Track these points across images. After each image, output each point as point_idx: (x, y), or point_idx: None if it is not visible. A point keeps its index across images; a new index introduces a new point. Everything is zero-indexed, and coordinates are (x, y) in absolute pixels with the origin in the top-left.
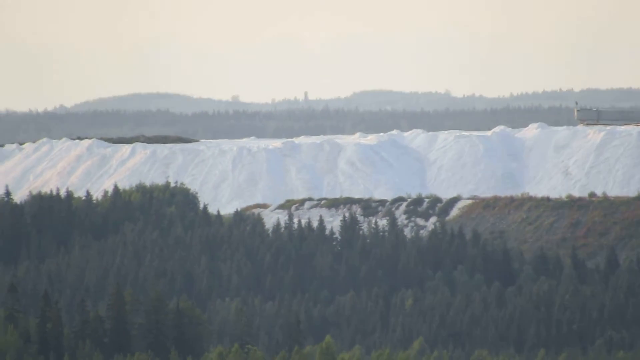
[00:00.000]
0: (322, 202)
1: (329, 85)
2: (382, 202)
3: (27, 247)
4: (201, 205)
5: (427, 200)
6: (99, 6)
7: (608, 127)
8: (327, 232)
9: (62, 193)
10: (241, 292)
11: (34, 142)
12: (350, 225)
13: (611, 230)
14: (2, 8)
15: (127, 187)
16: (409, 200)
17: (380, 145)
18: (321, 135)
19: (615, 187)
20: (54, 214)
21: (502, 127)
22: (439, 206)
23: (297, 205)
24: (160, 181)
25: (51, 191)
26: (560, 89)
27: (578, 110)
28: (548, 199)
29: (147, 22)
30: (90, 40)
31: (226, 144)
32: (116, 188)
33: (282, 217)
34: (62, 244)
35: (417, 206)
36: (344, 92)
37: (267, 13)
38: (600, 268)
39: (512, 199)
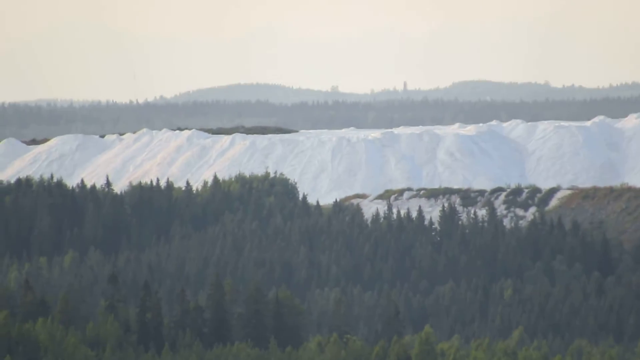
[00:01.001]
0: (421, 192)
1: (428, 76)
2: (481, 192)
3: (127, 237)
4: (300, 196)
5: (526, 190)
6: (202, 1)
7: None
8: (426, 222)
9: (162, 183)
10: (340, 282)
11: (134, 132)
12: (449, 216)
13: None
14: None
15: (226, 178)
16: (508, 190)
17: (479, 135)
18: (420, 126)
19: None
20: (154, 205)
21: (601, 117)
22: (538, 196)
23: (396, 195)
24: (259, 171)
25: (151, 181)
26: None
27: None
28: None
29: (247, 13)
30: (190, 31)
31: (325, 134)
32: (216, 178)
33: (381, 207)
34: (162, 234)
35: (516, 196)
36: (443, 83)
37: (367, 4)
38: None
39: (611, 190)
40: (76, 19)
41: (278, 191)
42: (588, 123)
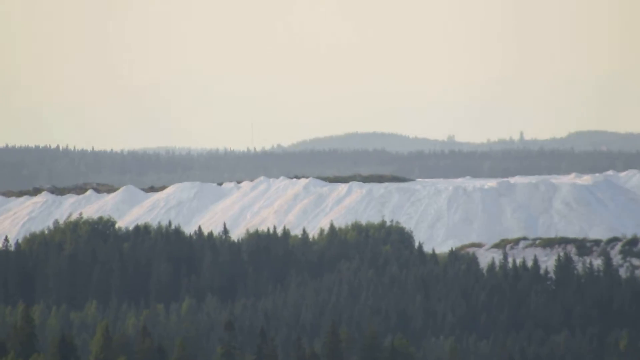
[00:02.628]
0: (537, 241)
1: (545, 126)
2: (597, 242)
3: (244, 284)
4: (416, 244)
5: None
6: (316, 46)
7: None
8: (542, 271)
9: (279, 231)
10: (455, 331)
11: (251, 180)
12: (565, 265)
13: None
14: (215, 53)
15: (343, 226)
16: (625, 240)
17: (595, 185)
18: (536, 175)
19: None
20: (270, 252)
21: None
22: None
23: (511, 244)
24: (376, 220)
25: (268, 229)
26: None
27: None
28: None
29: (365, 63)
30: (307, 80)
31: (442, 183)
32: (332, 226)
33: (497, 256)
34: (279, 281)
35: (632, 246)
36: (560, 133)
37: (483, 54)
38: None
39: None
40: (194, 68)
41: (394, 239)
42: None
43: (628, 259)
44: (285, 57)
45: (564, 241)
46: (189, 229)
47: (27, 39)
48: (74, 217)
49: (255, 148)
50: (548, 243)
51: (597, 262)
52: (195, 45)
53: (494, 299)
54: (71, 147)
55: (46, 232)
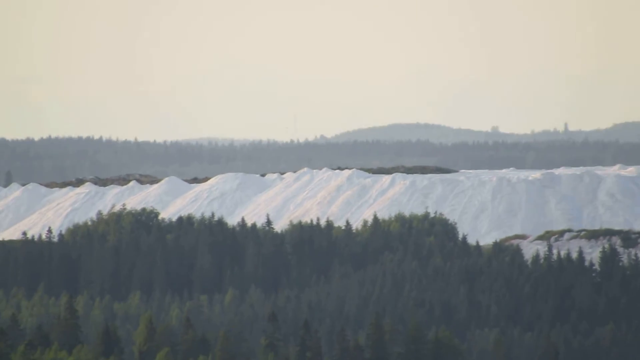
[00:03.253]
0: (582, 233)
1: (589, 117)
2: None
3: (287, 275)
4: (460, 236)
5: None
6: (360, 38)
7: None
8: (587, 263)
9: (322, 223)
10: (500, 323)
11: (294, 172)
12: (609, 257)
13: None
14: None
15: (386, 217)
16: None
17: None
18: (581, 167)
19: None
20: (314, 243)
21: None
22: None
23: (556, 236)
24: (419, 211)
25: (311, 220)
26: None
27: None
28: None
29: (407, 53)
30: (350, 71)
31: (485, 174)
32: (376, 218)
33: (541, 248)
34: (322, 273)
35: None
36: (604, 124)
37: (528, 44)
38: None
39: None
40: (236, 59)
41: (438, 231)
42: None
43: None
44: (328, 48)
45: (608, 233)
46: (232, 221)
47: (67, 29)
48: (117, 208)
49: (298, 139)
50: (593, 235)
51: None
52: (239, 36)
53: (539, 290)
54: (114, 139)
55: (89, 223)
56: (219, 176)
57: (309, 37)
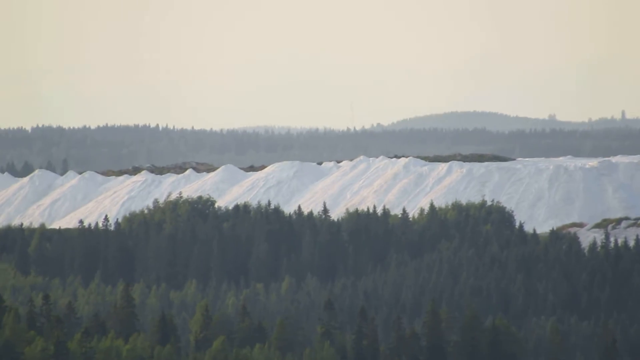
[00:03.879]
0: (639, 221)
1: None
2: None
3: (344, 263)
4: (517, 224)
5: None
6: (417, 25)
7: None
8: None
9: (379, 211)
10: (557, 311)
11: (351, 160)
12: None
13: None
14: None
15: (443, 205)
16: None
17: None
18: (638, 155)
19: None
20: (370, 232)
21: None
22: None
23: (613, 224)
24: (476, 199)
25: (368, 208)
26: None
27: None
28: None
29: (464, 41)
30: (407, 59)
31: (542, 162)
32: (432, 206)
33: (599, 236)
34: (379, 261)
35: None
36: None
37: (584, 33)
38: None
39: None
40: (293, 47)
41: (495, 219)
42: None
43: None
44: (385, 35)
45: None
46: (289, 209)
47: (120, 17)
48: (174, 196)
49: (355, 127)
50: None
51: None
52: (296, 24)
53: (596, 279)
54: (171, 126)
55: (146, 211)
56: (276, 164)
57: (366, 24)
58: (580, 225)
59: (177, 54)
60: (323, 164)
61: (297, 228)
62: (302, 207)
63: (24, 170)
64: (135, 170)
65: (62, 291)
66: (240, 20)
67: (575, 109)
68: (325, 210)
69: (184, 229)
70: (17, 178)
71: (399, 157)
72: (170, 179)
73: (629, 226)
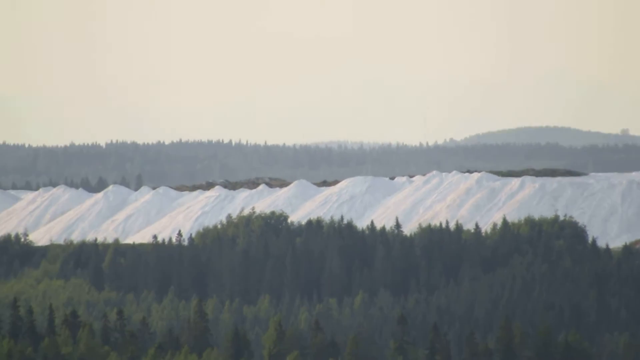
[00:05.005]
0: None
1: None
2: None
3: (416, 278)
4: (589, 239)
5: None
6: (489, 40)
7: None
8: None
9: (452, 226)
10: (630, 327)
11: (423, 174)
12: None
13: None
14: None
15: (515, 220)
16: None
17: None
18: None
19: None
20: (443, 247)
21: None
22: None
23: None
24: (548, 214)
25: (440, 223)
26: None
27: None
28: None
29: (537, 55)
30: (480, 74)
31: (615, 177)
32: (505, 221)
33: None
34: (452, 276)
35: None
36: None
37: None
38: None
39: None
40: (367, 62)
41: (567, 234)
42: None
43: None
44: (458, 51)
45: None
46: (361, 224)
47: (190, 33)
48: (247, 211)
49: (427, 142)
50: None
51: None
52: (367, 38)
53: None
54: (244, 142)
55: (219, 226)
56: (349, 179)
57: (441, 39)
58: None
59: (251, 70)
60: (396, 179)
61: (369, 243)
62: (374, 222)
63: (98, 186)
64: (208, 186)
65: (136, 306)
66: (315, 34)
67: None
68: (398, 225)
69: (257, 244)
70: (91, 193)
71: (472, 172)
72: (243, 194)
73: None
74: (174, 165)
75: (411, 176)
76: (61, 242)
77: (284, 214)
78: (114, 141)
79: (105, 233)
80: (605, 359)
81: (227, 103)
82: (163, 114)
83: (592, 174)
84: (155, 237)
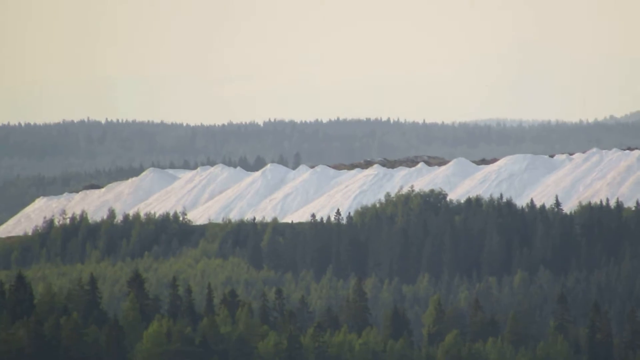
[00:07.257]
0: None
1: None
2: None
3: (576, 257)
4: None
5: None
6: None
7: None
8: None
9: (612, 203)
10: None
11: (583, 152)
12: None
13: None
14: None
15: None
16: None
17: None
18: None
19: None
20: (603, 225)
21: None
22: None
23: None
24: None
25: (601, 201)
26: None
27: None
28: None
29: None
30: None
31: None
32: None
33: None
34: (612, 254)
35: None
36: None
37: None
38: None
39: None
40: (527, 39)
41: None
42: None
43: None
44: (613, 28)
45: None
46: (521, 202)
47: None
48: (405, 190)
49: (587, 119)
50: None
51: None
52: (532, 15)
53: None
54: (402, 120)
55: (377, 205)
56: (508, 157)
57: (597, 17)
58: None
59: (410, 47)
60: (555, 157)
61: (529, 221)
62: (534, 200)
63: (256, 165)
64: (367, 164)
65: (294, 285)
66: (485, 11)
67: None
68: (558, 204)
69: (416, 222)
70: (249, 172)
71: (632, 149)
72: (401, 172)
73: None
74: (331, 143)
75: (571, 154)
76: (219, 221)
77: (443, 192)
78: (272, 119)
79: (264, 212)
80: None
81: (386, 80)
82: (321, 92)
83: None
84: (313, 215)
